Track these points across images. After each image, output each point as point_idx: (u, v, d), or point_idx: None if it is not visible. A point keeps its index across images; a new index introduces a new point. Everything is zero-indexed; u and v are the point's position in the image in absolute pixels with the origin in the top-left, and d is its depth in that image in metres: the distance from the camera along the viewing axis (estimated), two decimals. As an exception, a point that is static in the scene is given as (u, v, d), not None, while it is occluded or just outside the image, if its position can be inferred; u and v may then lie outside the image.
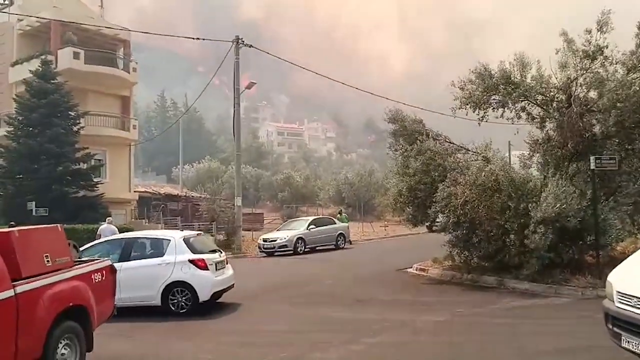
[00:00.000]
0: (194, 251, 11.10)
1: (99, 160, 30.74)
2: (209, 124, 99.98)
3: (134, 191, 34.70)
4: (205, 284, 10.87)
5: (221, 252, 12.11)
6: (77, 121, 27.91)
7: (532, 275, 12.24)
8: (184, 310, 10.72)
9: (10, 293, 5.50)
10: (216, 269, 11.25)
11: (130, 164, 34.30)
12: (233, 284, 11.91)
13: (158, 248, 11.22)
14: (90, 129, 29.26)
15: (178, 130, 53.05)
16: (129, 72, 32.41)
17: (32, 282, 5.85)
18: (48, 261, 6.32)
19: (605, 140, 13.30)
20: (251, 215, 38.30)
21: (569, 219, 11.78)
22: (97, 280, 7.09)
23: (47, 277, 6.14)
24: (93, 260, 7.86)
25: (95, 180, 28.16)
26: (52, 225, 7.11)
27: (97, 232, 20.26)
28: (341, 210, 27.82)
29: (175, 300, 10.78)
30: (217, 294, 11.37)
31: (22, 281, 5.72)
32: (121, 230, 21.62)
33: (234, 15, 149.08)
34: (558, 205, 11.57)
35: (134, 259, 11.04)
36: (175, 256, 10.90)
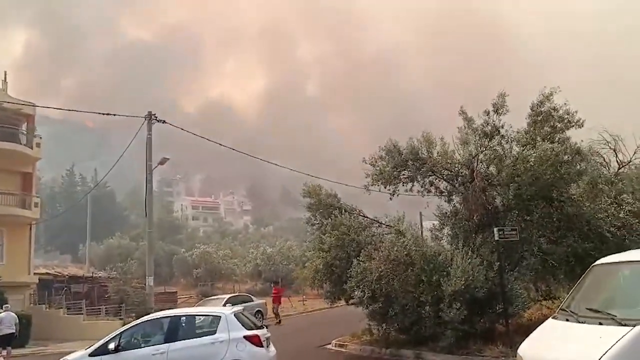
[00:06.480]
0: (245, 327, 10.28)
1: (-5, 241, 28.51)
2: (122, 197, 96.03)
3: (34, 273, 32.25)
4: None
5: (266, 328, 11.43)
6: (-28, 200, 25.98)
7: (448, 347, 12.36)
8: None
9: None
10: (266, 346, 10.47)
11: (31, 245, 31.98)
12: None
13: (208, 325, 10.40)
14: (-14, 207, 27.28)
15: (86, 206, 50.56)
16: (32, 148, 30.93)
17: None
18: None
19: (506, 212, 14.00)
20: (164, 294, 36.49)
21: (476, 289, 12.16)
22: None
23: None
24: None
25: (-11, 263, 25.96)
26: None
27: None
28: None
29: None
30: None
31: None
32: (19, 317, 20.01)
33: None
34: (465, 278, 11.96)
35: (182, 339, 10.02)
36: (229, 333, 9.95)
